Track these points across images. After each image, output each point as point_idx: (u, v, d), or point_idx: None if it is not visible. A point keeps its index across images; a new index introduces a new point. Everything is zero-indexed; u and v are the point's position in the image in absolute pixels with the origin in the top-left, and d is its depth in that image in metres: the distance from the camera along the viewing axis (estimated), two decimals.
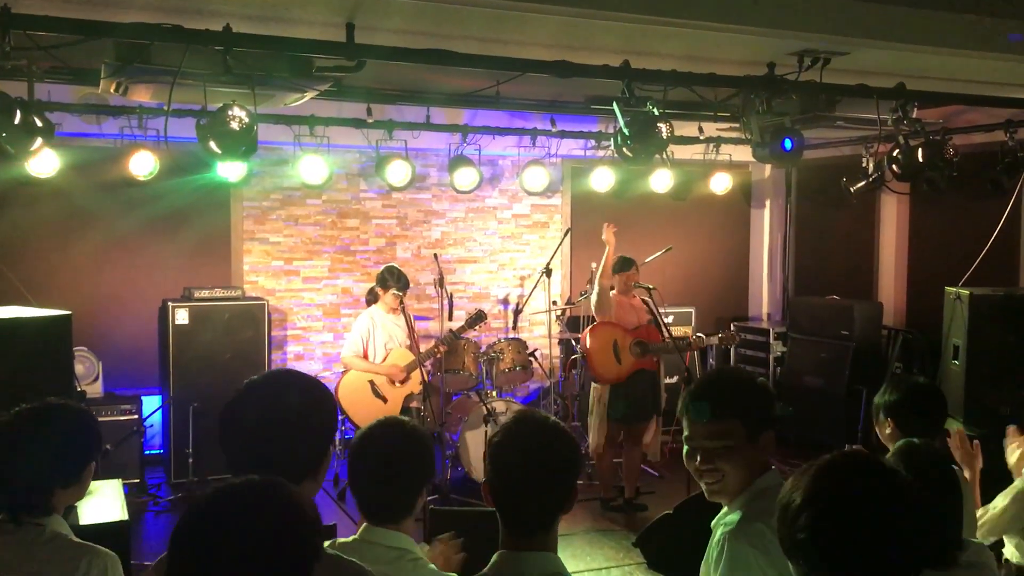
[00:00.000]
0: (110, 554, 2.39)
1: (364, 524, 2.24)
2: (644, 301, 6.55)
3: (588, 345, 6.56)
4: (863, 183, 6.44)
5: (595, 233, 8.83)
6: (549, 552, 1.94)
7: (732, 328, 6.67)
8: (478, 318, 6.51)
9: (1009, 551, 3.30)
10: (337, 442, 6.31)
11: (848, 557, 1.57)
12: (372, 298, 6.21)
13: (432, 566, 2.26)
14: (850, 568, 1.57)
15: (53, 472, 2.42)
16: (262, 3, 4.03)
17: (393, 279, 5.97)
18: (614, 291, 6.56)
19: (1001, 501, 3.23)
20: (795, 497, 1.60)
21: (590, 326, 6.69)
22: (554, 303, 7.96)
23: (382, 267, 6.20)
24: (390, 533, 2.21)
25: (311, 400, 1.99)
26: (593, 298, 6.52)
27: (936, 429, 3.06)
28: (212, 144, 4.23)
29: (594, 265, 7.88)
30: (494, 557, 1.93)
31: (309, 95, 4.90)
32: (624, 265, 6.55)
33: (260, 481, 1.53)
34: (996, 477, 3.41)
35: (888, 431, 3.05)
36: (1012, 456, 3.51)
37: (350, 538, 2.25)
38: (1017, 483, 3.27)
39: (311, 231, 8.13)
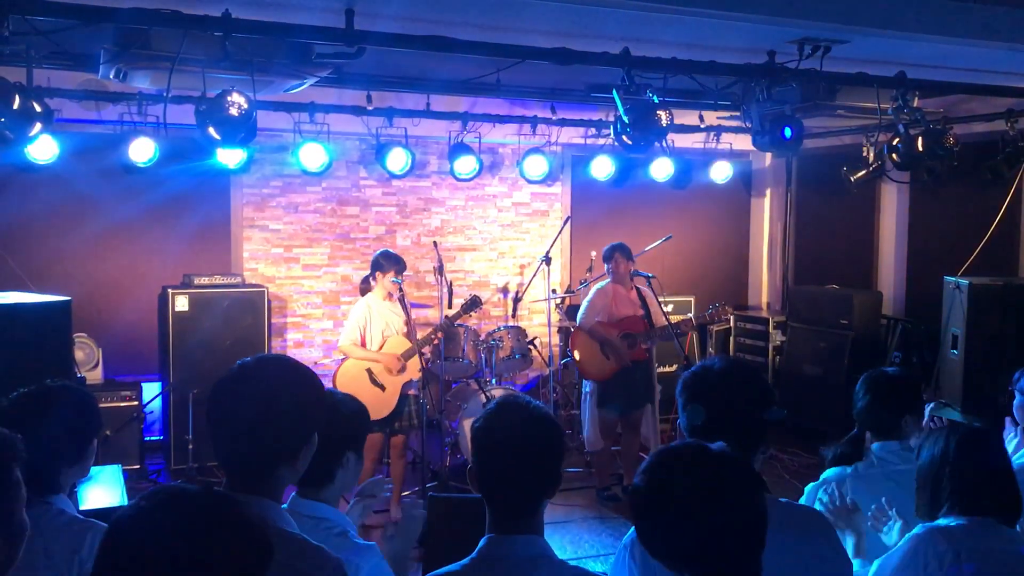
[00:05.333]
0: None
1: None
2: (638, 290, 6.52)
3: (576, 350, 6.58)
4: (863, 172, 6.45)
5: (595, 221, 8.89)
6: (536, 535, 1.95)
7: (723, 304, 6.59)
8: (473, 304, 6.48)
9: None
10: None
11: (653, 539, 1.70)
12: (366, 287, 6.17)
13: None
14: (653, 545, 1.70)
15: (59, 450, 2.52)
16: None
17: (390, 263, 5.92)
18: (609, 281, 6.55)
19: None
20: (636, 477, 1.75)
21: (573, 332, 6.69)
22: (553, 291, 7.96)
23: (375, 253, 6.15)
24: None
25: (295, 386, 1.93)
26: (582, 315, 6.51)
27: (904, 413, 3.07)
28: (211, 130, 4.24)
29: (594, 254, 7.90)
30: (481, 541, 1.95)
31: (308, 82, 4.90)
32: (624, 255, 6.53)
33: (204, 492, 1.42)
34: None
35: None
36: (1010, 446, 3.55)
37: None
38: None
39: (311, 218, 8.13)
